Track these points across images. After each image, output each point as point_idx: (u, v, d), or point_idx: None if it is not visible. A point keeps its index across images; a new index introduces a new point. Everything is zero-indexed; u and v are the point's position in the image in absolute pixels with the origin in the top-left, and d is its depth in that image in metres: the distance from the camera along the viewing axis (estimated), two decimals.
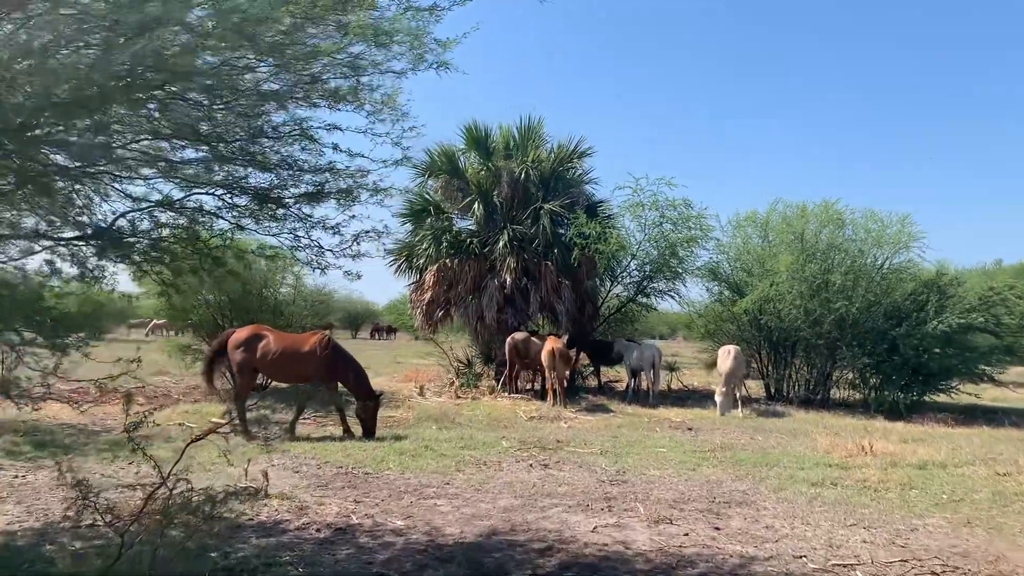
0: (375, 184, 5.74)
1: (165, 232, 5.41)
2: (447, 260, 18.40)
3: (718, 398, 15.28)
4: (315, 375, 11.47)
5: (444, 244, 18.67)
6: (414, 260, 19.39)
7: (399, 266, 19.71)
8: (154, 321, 23.79)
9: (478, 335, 19.26)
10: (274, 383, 15.54)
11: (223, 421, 5.15)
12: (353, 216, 5.49)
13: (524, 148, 19.14)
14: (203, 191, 5.31)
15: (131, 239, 5.24)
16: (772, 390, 18.66)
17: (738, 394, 15.79)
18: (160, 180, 5.46)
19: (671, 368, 20.77)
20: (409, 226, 19.59)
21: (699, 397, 18.56)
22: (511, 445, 10.97)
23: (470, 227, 19.69)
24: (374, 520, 6.74)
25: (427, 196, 19.84)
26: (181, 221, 5.43)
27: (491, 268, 18.45)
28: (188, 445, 5.36)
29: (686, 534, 6.63)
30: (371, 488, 8.03)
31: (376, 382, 20.35)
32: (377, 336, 60.21)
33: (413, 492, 7.91)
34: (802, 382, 18.44)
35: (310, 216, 5.48)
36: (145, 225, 5.38)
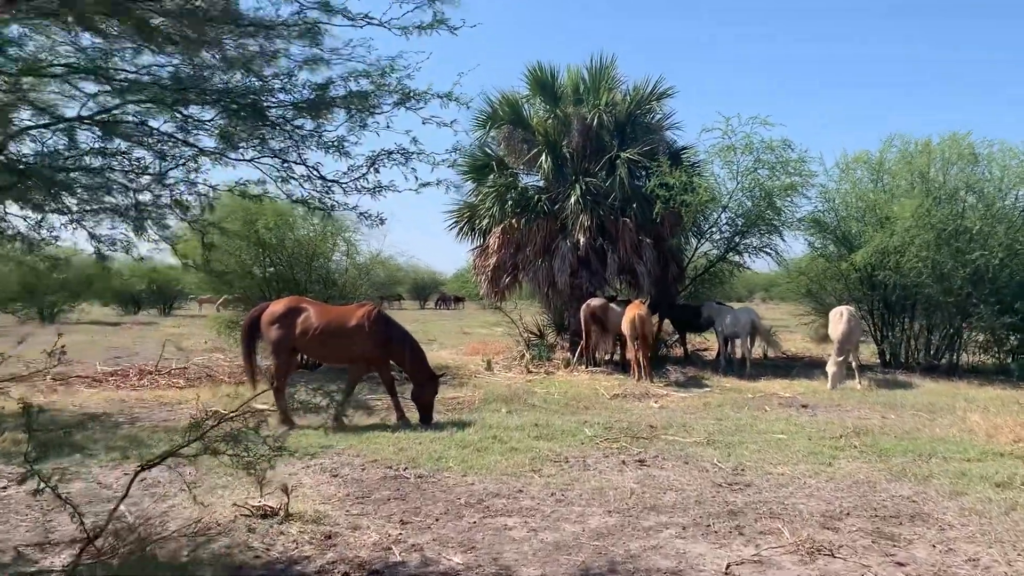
0: (401, 85, 3.87)
1: (97, 162, 3.66)
2: (513, 220, 16.50)
3: (831, 368, 13.06)
4: (364, 353, 9.78)
5: (509, 202, 16.76)
6: (476, 222, 17.56)
7: (461, 229, 17.93)
8: (224, 296, 22.59)
9: (550, 302, 17.40)
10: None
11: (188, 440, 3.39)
12: (363, 126, 3.64)
13: (596, 91, 17.00)
14: (141, 97, 3.54)
15: (46, 171, 3.51)
16: (888, 356, 16.26)
17: (853, 363, 13.54)
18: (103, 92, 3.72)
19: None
20: (470, 184, 17.76)
21: (803, 366, 16.32)
22: (595, 433, 9.11)
23: (537, 183, 17.75)
24: (423, 555, 4.99)
25: (488, 150, 17.95)
26: (120, 145, 3.67)
27: (562, 228, 16.49)
28: (136, 475, 3.68)
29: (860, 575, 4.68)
30: (424, 499, 6.30)
31: (440, 356, 18.75)
32: (443, 306, 58.95)
33: (477, 505, 6.15)
34: (922, 346, 16.01)
35: (299, 129, 3.66)
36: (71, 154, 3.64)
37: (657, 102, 17.47)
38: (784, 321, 25.61)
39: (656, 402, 11.73)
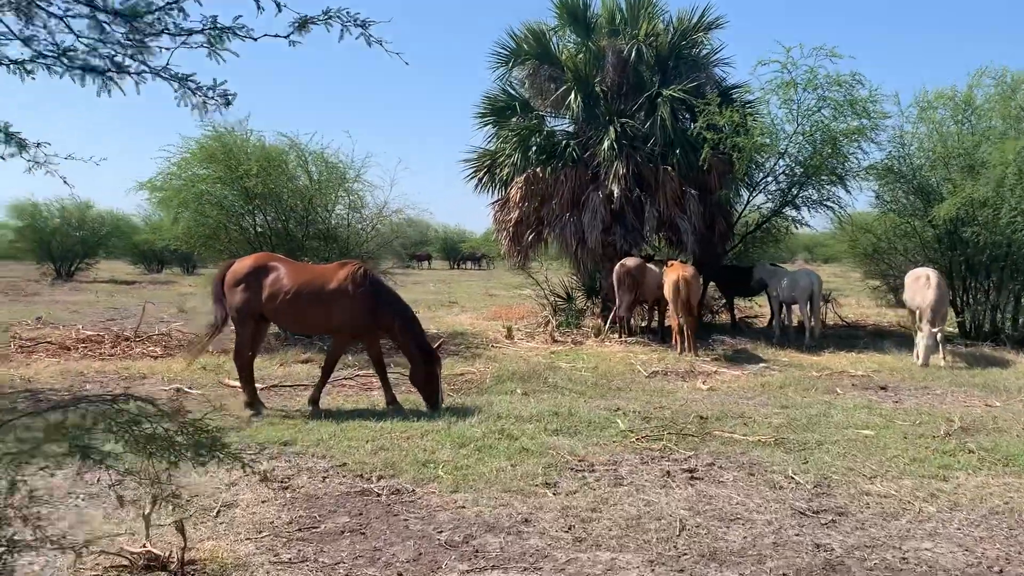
0: None
1: None
2: (537, 169, 14.50)
3: (921, 340, 11.05)
4: (346, 322, 7.94)
5: (533, 148, 14.79)
6: (497, 171, 15.57)
7: (480, 179, 15.94)
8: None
9: (579, 262, 15.37)
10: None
11: None
12: None
13: (634, 21, 14.81)
14: None
15: None
16: (969, 326, 14.09)
17: (938, 335, 11.45)
18: None
19: (825, 299, 16.37)
20: (489, 128, 15.74)
21: (870, 337, 14.23)
22: (630, 426, 7.24)
23: (565, 127, 15.70)
24: None
25: (511, 90, 15.87)
26: None
27: (593, 177, 14.45)
28: None
29: None
30: (390, 534, 4.52)
31: (459, 321, 16.94)
32: (467, 265, 57.40)
33: (462, 545, 4.35)
34: (1011, 315, 13.79)
35: None
36: None
37: (705, 33, 15.19)
38: (834, 284, 23.39)
39: (704, 382, 9.82)
